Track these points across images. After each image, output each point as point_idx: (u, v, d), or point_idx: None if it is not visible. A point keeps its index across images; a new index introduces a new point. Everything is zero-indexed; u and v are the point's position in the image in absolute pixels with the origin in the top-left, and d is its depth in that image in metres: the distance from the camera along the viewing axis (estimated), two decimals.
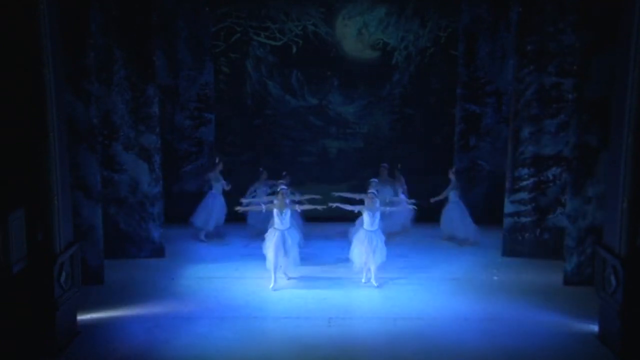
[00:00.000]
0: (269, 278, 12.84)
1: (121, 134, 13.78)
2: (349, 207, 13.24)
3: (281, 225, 12.85)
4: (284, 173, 15.21)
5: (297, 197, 14.18)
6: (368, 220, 12.87)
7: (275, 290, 12.70)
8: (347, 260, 13.70)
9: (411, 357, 10.48)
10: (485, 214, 16.32)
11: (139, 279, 13.25)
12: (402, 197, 15.14)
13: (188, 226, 15.47)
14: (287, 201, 13.06)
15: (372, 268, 12.89)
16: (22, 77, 10.00)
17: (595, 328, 11.13)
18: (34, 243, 10.25)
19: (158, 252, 14.26)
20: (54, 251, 10.45)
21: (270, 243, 12.82)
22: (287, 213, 12.88)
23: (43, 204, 10.30)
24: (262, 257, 13.04)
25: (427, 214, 16.47)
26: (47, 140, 10.20)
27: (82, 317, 11.42)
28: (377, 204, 12.97)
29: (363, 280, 12.99)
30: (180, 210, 16.24)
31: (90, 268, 12.59)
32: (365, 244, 12.80)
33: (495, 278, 13.39)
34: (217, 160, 15.57)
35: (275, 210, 12.87)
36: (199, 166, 16.42)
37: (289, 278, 13.15)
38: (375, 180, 14.40)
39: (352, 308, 12.11)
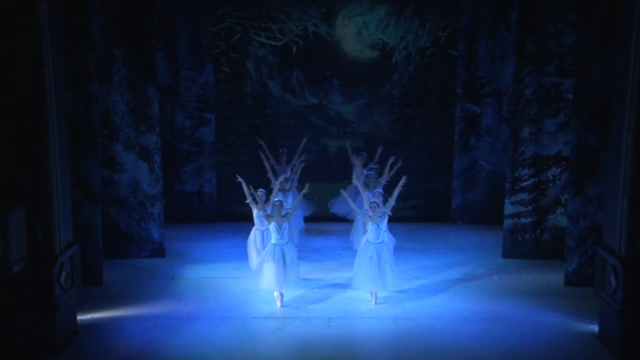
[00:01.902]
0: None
1: (121, 134, 13.79)
2: (352, 205, 12.95)
3: (280, 239, 12.07)
4: (280, 150, 15.19)
5: (295, 195, 14.10)
6: (373, 232, 12.09)
7: (283, 306, 12.13)
8: (347, 259, 13.72)
9: (411, 357, 10.48)
10: (485, 213, 16.34)
11: (139, 279, 13.25)
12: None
13: (188, 226, 15.46)
14: (285, 212, 12.31)
15: (378, 291, 12.14)
16: (22, 77, 10.01)
17: (595, 328, 11.14)
18: (34, 243, 10.25)
19: (158, 252, 14.26)
20: (54, 251, 10.45)
21: (270, 260, 12.03)
22: (286, 227, 12.17)
23: (43, 204, 10.30)
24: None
25: (428, 215, 16.55)
26: (47, 140, 10.20)
27: (82, 317, 11.43)
28: (380, 213, 12.13)
29: (373, 301, 12.20)
30: (180, 210, 16.27)
31: (89, 268, 12.58)
32: (372, 260, 11.97)
33: (496, 278, 13.38)
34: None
35: (273, 224, 12.07)
36: (199, 166, 16.42)
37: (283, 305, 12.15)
38: (380, 191, 13.39)
39: (352, 308, 12.10)
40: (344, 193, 13.10)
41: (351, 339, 11.05)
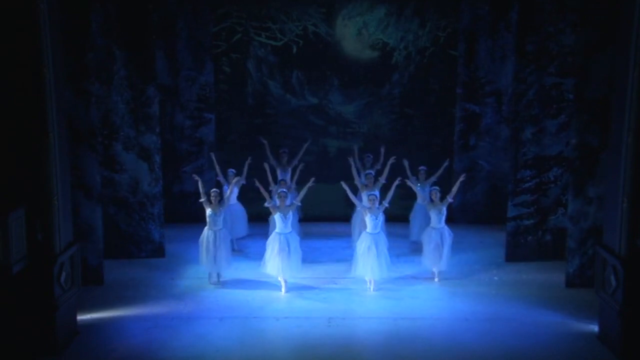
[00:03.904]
0: (269, 278, 12.80)
1: (121, 134, 13.79)
2: (351, 196, 13.13)
3: (284, 228, 12.59)
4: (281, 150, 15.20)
5: (293, 196, 14.08)
6: (371, 223, 12.59)
7: (286, 292, 12.59)
8: (346, 259, 13.71)
9: (411, 357, 10.48)
10: (485, 213, 16.34)
11: (139, 279, 13.25)
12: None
13: (188, 226, 15.46)
14: (288, 202, 12.85)
15: (375, 279, 12.61)
16: (22, 77, 10.00)
17: (595, 328, 11.14)
18: (34, 243, 10.25)
19: (158, 252, 14.26)
20: (54, 251, 10.45)
21: (274, 247, 12.52)
22: (290, 216, 12.61)
23: (43, 204, 10.30)
24: (261, 257, 12.87)
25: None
26: (47, 140, 10.20)
27: (82, 317, 11.43)
28: (378, 205, 12.64)
29: (371, 288, 12.68)
30: (180, 210, 16.27)
31: (90, 268, 12.59)
32: (370, 249, 12.47)
33: (496, 278, 13.38)
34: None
35: (278, 214, 12.57)
36: (199, 166, 16.41)
37: (286, 290, 12.70)
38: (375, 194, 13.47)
39: (352, 308, 12.11)
40: (343, 185, 13.17)
41: (351, 338, 11.05)
